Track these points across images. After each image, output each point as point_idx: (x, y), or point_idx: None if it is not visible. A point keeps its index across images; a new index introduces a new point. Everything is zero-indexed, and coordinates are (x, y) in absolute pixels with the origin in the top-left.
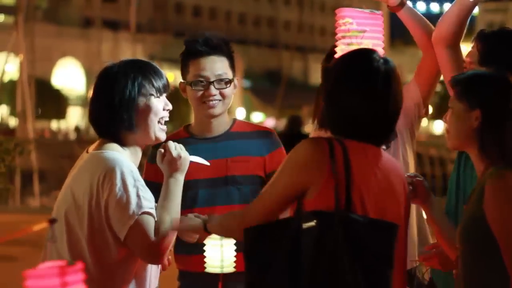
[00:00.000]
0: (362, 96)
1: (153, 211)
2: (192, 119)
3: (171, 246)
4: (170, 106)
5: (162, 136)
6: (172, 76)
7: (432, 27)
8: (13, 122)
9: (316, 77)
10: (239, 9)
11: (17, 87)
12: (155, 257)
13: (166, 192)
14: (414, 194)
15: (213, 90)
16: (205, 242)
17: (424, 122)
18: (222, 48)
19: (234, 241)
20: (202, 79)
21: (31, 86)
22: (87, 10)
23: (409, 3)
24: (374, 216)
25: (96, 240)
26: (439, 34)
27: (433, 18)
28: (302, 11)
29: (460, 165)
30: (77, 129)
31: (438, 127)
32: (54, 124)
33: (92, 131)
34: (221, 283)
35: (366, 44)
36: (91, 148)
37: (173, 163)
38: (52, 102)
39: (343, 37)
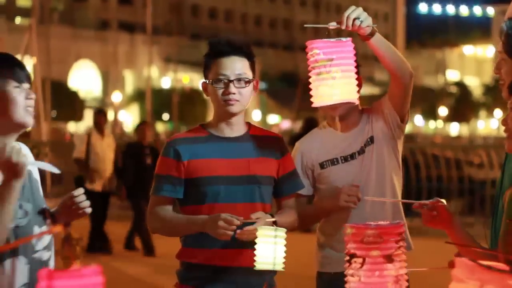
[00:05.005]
0: None
1: None
2: (208, 120)
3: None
4: (33, 95)
5: (29, 121)
6: (187, 78)
7: (400, 54)
8: None
9: None
10: (255, 11)
11: (32, 89)
12: None
13: None
14: (438, 219)
15: (233, 88)
16: (257, 239)
17: (440, 124)
18: (243, 49)
19: (285, 240)
20: (222, 77)
21: (46, 88)
22: (103, 13)
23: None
24: None
25: None
26: None
27: (449, 20)
28: (318, 12)
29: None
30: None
31: (454, 129)
32: (72, 126)
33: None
34: (234, 277)
35: (335, 71)
36: None
37: (8, 168)
38: (68, 104)
39: (313, 68)
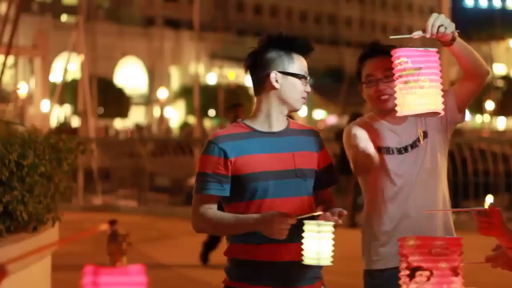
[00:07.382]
0: None
1: None
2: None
3: None
4: None
5: None
6: (233, 74)
7: (477, 54)
8: (76, 121)
9: None
10: (300, 7)
11: (79, 86)
12: None
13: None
14: (492, 226)
15: (308, 87)
16: (304, 234)
17: (487, 118)
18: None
19: (332, 234)
20: (304, 74)
21: (93, 85)
22: (148, 9)
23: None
24: None
25: None
26: None
27: (495, 13)
28: (364, 7)
29: None
30: (139, 127)
31: (501, 123)
32: (118, 123)
33: (154, 129)
34: (285, 272)
35: (423, 80)
36: None
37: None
38: (114, 101)
39: (400, 76)
